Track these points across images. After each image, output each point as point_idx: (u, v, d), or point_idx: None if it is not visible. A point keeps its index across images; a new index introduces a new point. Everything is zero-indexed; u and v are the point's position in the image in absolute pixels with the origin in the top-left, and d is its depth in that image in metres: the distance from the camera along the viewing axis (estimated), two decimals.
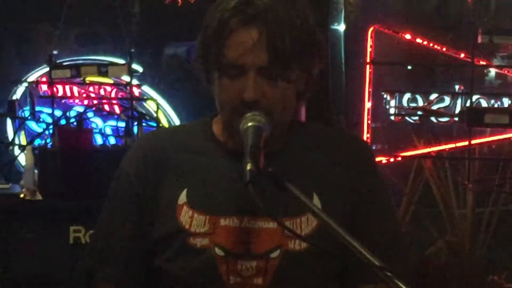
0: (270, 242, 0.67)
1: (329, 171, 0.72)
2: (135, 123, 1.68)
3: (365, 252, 0.53)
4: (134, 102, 1.79)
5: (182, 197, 0.69)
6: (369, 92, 1.78)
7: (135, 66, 1.84)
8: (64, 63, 1.93)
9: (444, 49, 1.85)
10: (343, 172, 0.71)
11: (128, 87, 1.78)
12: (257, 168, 0.56)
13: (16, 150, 1.91)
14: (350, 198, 0.70)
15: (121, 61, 1.89)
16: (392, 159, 1.69)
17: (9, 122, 2.11)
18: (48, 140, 1.83)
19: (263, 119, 0.62)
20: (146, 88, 2.09)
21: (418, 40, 1.84)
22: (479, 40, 1.57)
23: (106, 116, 2.06)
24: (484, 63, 1.88)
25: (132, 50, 1.72)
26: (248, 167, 0.56)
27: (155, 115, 1.85)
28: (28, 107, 1.82)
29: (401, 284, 0.50)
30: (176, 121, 2.25)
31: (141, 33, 2.54)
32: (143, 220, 0.71)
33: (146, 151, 0.74)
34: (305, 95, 0.72)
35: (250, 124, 0.62)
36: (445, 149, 1.68)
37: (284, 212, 0.65)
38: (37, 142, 1.80)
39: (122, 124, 1.82)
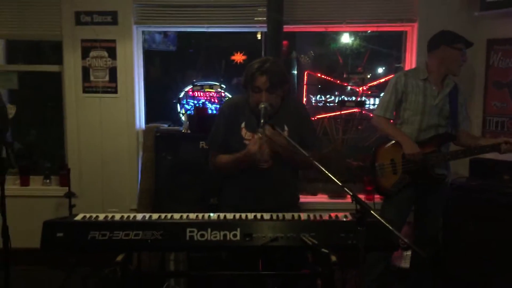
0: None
1: (291, 116, 2.52)
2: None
3: (303, 150, 2.11)
4: (223, 97, 4.53)
5: (243, 125, 2.58)
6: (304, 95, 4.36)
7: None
8: (196, 84, 4.22)
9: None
10: (295, 115, 2.55)
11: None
12: (264, 119, 2.38)
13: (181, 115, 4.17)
14: (298, 125, 2.51)
15: (217, 83, 4.36)
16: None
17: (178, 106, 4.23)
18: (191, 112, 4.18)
19: (267, 106, 2.51)
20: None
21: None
22: None
23: (212, 102, 4.45)
24: None
25: (222, 80, 4.48)
26: (262, 119, 2.34)
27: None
28: (184, 101, 4.55)
29: (317, 164, 1.99)
30: None
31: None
32: (226, 129, 2.59)
33: (229, 104, 2.75)
34: (284, 96, 2.60)
35: (262, 106, 2.46)
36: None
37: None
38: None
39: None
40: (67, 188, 4.08)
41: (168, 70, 4.96)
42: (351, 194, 1.97)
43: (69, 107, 4.21)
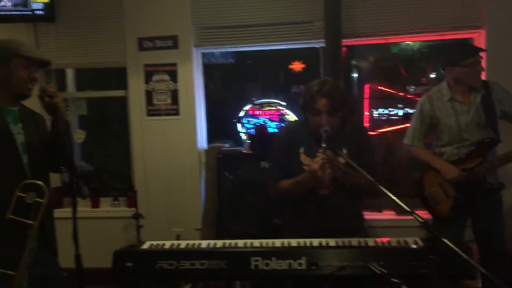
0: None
1: (351, 138, 2.45)
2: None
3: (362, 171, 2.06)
4: (282, 114, 4.52)
5: (301, 150, 2.48)
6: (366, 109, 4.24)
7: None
8: (256, 102, 4.22)
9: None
10: (355, 138, 2.47)
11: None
12: (325, 143, 2.27)
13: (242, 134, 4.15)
14: (358, 148, 2.40)
15: (277, 100, 4.31)
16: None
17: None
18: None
19: (328, 128, 2.30)
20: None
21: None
22: None
23: (273, 120, 4.57)
24: None
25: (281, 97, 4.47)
26: (324, 144, 2.27)
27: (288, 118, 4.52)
28: (245, 119, 4.54)
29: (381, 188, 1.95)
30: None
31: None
32: (286, 156, 2.54)
33: (286, 130, 2.85)
34: (344, 118, 2.48)
35: (323, 129, 2.27)
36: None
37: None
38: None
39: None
40: (135, 209, 4.19)
41: (227, 84, 5.05)
42: (421, 221, 1.88)
43: (134, 130, 4.34)
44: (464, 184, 2.87)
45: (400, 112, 4.14)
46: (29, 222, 2.08)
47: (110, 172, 4.75)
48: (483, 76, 3.28)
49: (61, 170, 2.39)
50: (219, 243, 2.30)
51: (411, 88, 4.17)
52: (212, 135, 4.48)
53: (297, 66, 4.48)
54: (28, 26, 4.23)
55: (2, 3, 3.81)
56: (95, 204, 4.47)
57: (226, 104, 5.01)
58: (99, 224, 4.36)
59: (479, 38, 3.87)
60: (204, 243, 2.31)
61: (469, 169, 2.88)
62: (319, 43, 4.06)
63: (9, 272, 2.03)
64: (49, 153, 2.26)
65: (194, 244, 2.30)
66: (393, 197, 1.99)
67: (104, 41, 4.25)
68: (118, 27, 4.23)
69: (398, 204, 1.96)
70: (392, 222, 3.99)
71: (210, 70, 4.44)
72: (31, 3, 3.85)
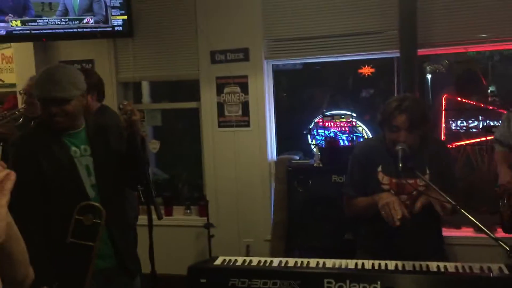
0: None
1: (433, 158, 2.37)
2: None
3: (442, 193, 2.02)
4: (353, 126, 4.44)
5: (379, 168, 2.49)
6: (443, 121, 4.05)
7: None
8: (326, 114, 4.18)
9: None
10: (437, 157, 2.39)
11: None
12: (402, 163, 2.20)
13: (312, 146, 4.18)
14: (440, 168, 2.35)
15: (348, 112, 4.38)
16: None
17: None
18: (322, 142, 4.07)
19: (405, 147, 2.23)
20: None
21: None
22: None
23: (343, 132, 4.33)
24: None
25: (352, 109, 4.41)
26: (400, 164, 2.21)
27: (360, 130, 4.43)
28: (315, 131, 4.54)
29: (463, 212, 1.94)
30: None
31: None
32: (362, 174, 2.49)
33: (362, 147, 2.71)
34: (424, 136, 2.37)
35: (399, 147, 2.24)
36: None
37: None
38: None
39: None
40: (206, 218, 4.26)
41: (295, 90, 5.02)
42: (507, 248, 1.78)
43: (206, 141, 4.43)
44: None
45: (480, 124, 3.92)
46: (88, 243, 2.05)
47: (183, 182, 4.86)
48: None
49: (138, 188, 2.48)
50: (291, 261, 2.28)
51: (493, 99, 3.93)
52: (281, 146, 4.47)
53: (366, 70, 4.37)
54: (108, 41, 4.44)
55: (85, 21, 4.01)
56: (168, 212, 4.60)
57: (295, 113, 4.99)
58: (171, 232, 4.47)
59: None
60: (276, 261, 2.30)
61: None
62: (393, 53, 3.94)
63: None
64: (123, 169, 2.28)
65: (266, 261, 2.30)
66: (477, 222, 1.90)
67: (178, 55, 4.37)
68: (192, 41, 4.34)
69: (483, 230, 1.87)
70: (471, 240, 3.80)
71: (277, 76, 4.44)
72: (112, 20, 4.02)
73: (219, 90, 4.33)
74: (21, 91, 3.22)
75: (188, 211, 4.61)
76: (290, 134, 4.64)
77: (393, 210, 2.20)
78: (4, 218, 0.81)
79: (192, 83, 4.50)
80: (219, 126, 4.36)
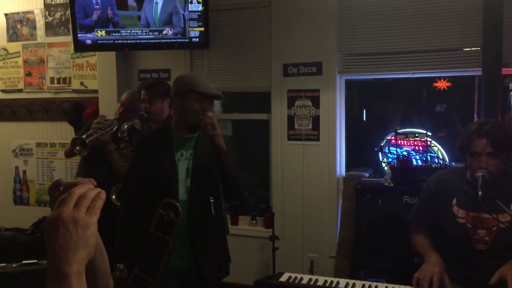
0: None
1: None
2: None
3: None
4: (427, 145, 4.28)
5: (454, 201, 2.33)
6: None
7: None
8: (399, 132, 3.95)
9: None
10: None
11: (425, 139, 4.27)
12: (482, 191, 2.04)
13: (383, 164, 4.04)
14: None
15: (422, 131, 4.10)
16: None
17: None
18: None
19: (486, 174, 2.09)
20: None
21: None
22: None
23: (417, 151, 4.41)
24: None
25: (426, 126, 4.26)
26: (480, 192, 2.07)
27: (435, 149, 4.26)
28: (386, 149, 4.40)
29: None
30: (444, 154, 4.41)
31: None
32: (433, 206, 2.41)
33: (437, 178, 2.45)
34: (506, 163, 2.19)
35: (480, 174, 2.09)
36: None
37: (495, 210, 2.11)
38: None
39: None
40: (271, 230, 4.26)
41: (367, 101, 4.93)
42: None
43: (275, 153, 4.44)
44: None
45: None
46: (165, 237, 2.25)
47: (250, 191, 4.90)
48: None
49: (231, 202, 2.58)
50: (358, 284, 2.23)
51: None
52: (351, 162, 4.39)
53: (442, 84, 4.22)
54: (185, 52, 4.58)
55: (164, 32, 4.16)
56: (234, 222, 4.64)
57: (366, 127, 4.89)
58: (236, 241, 4.46)
59: None
60: (342, 282, 2.26)
61: None
62: (475, 72, 3.76)
63: (148, 278, 2.26)
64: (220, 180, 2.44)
65: (332, 282, 2.26)
66: None
67: (251, 67, 4.44)
68: (265, 53, 4.38)
69: None
70: None
71: (348, 86, 4.36)
72: (189, 32, 4.14)
73: (290, 103, 4.33)
74: (120, 102, 3.40)
75: (254, 221, 4.63)
76: (361, 150, 4.55)
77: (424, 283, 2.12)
78: (95, 235, 0.85)
79: (264, 95, 4.52)
80: (289, 139, 4.36)
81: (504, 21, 3.54)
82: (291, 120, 4.34)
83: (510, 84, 3.93)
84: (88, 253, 0.82)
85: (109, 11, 4.21)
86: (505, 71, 3.64)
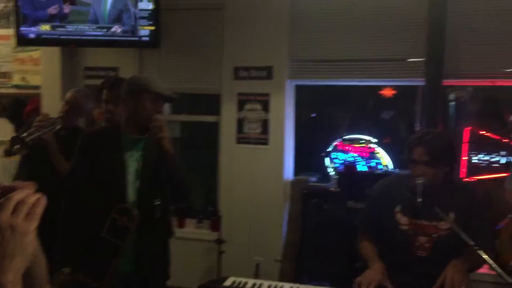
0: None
1: (459, 200, 2.19)
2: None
3: (466, 237, 1.90)
4: (372, 152, 4.40)
5: (398, 208, 2.31)
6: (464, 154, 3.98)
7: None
8: (345, 138, 4.02)
9: None
10: (464, 200, 2.22)
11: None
12: (422, 197, 2.10)
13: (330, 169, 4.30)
14: (466, 212, 2.16)
15: (368, 138, 4.37)
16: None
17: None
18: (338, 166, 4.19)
19: (426, 181, 2.10)
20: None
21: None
22: None
23: (363, 157, 4.49)
24: None
25: (372, 133, 4.39)
26: (419, 199, 2.09)
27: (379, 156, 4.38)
28: (334, 154, 4.52)
29: (482, 254, 1.84)
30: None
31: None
32: (378, 213, 2.37)
33: (381, 185, 2.46)
34: (448, 172, 2.27)
35: (419, 181, 2.11)
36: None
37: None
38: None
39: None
40: (218, 233, 4.24)
41: (316, 106, 5.03)
42: None
43: (223, 156, 4.42)
44: None
45: (503, 160, 3.85)
46: (117, 243, 2.19)
47: (197, 195, 4.85)
48: None
49: (178, 204, 2.52)
50: None
51: None
52: (299, 166, 4.44)
53: (388, 92, 4.38)
54: (134, 51, 4.49)
55: (113, 29, 4.06)
56: (181, 224, 4.59)
57: (315, 132, 4.97)
58: (182, 244, 4.41)
59: None
60: (286, 286, 2.27)
61: None
62: (418, 82, 3.90)
63: (93, 283, 2.16)
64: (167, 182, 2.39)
65: (276, 286, 2.27)
66: (496, 267, 1.86)
67: (202, 69, 4.41)
68: (216, 56, 4.36)
69: (502, 275, 1.82)
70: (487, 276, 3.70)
71: (299, 90, 4.39)
72: (139, 30, 4.06)
73: (240, 106, 4.33)
74: (65, 100, 3.24)
75: (200, 224, 4.59)
76: (309, 155, 4.60)
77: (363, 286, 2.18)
78: (33, 243, 0.81)
79: (214, 97, 4.50)
80: (238, 142, 4.36)
81: (446, 34, 3.69)
82: (240, 123, 4.34)
83: (451, 95, 4.11)
84: (25, 262, 0.79)
85: (57, 5, 4.05)
86: (447, 82, 3.80)
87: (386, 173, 3.88)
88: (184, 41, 4.46)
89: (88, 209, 2.28)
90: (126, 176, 2.30)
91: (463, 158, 3.95)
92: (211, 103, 4.60)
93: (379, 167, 3.98)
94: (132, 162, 2.33)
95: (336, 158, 4.17)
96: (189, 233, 4.55)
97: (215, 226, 4.38)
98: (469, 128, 3.97)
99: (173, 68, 4.51)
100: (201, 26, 4.41)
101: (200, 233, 4.54)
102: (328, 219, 3.53)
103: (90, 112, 3.27)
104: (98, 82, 4.53)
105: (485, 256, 1.91)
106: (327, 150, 4.23)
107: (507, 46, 3.65)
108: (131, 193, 2.30)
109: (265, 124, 4.27)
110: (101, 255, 2.17)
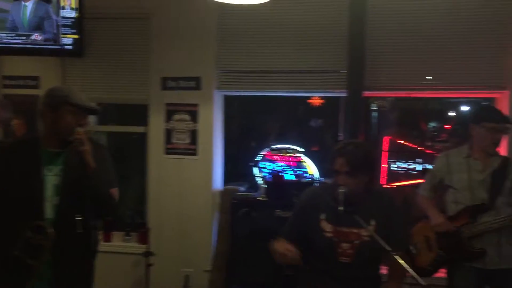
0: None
1: (380, 209, 2.29)
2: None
3: (384, 244, 2.02)
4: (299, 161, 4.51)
5: (323, 216, 2.34)
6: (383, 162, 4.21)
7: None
8: (273, 148, 4.10)
9: None
10: (384, 209, 2.31)
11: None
12: (344, 206, 2.18)
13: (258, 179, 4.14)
14: (387, 221, 2.27)
15: (295, 147, 4.28)
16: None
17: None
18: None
19: (347, 191, 2.18)
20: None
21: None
22: None
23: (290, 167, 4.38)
24: None
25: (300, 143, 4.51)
26: (340, 207, 2.19)
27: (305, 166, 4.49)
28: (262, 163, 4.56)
29: (398, 259, 1.95)
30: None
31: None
32: (303, 221, 2.39)
33: (308, 194, 2.48)
34: (369, 182, 2.33)
35: (341, 190, 2.18)
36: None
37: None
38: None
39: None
40: (146, 246, 4.17)
41: (246, 116, 5.10)
42: None
43: (151, 167, 4.36)
44: (446, 239, 2.92)
45: (419, 167, 4.09)
46: (30, 262, 2.10)
47: (125, 207, 4.73)
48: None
49: (105, 218, 2.42)
50: None
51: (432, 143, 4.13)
52: (229, 175, 4.48)
53: (316, 101, 4.50)
54: (57, 59, 4.33)
55: (33, 37, 3.90)
56: (107, 238, 4.46)
57: (244, 141, 5.02)
58: (109, 258, 4.29)
59: (503, 99, 3.84)
60: None
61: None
62: (341, 93, 4.06)
63: None
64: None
65: None
66: (412, 272, 1.97)
67: (129, 78, 4.34)
68: (144, 65, 4.31)
69: (416, 278, 1.94)
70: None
71: (227, 100, 4.44)
72: (61, 39, 3.93)
73: (168, 117, 4.30)
74: None
75: (128, 237, 4.49)
76: (238, 164, 4.64)
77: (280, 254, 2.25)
78: None
79: (142, 107, 4.43)
80: (166, 153, 4.32)
81: (366, 48, 3.88)
82: (169, 133, 4.30)
83: (373, 104, 4.32)
84: None
85: None
86: (367, 94, 3.99)
87: (313, 182, 3.99)
88: (110, 50, 4.37)
89: (0, 226, 2.16)
90: (43, 191, 2.17)
91: (383, 165, 4.15)
92: (140, 113, 4.52)
93: (306, 176, 4.09)
94: (51, 177, 2.22)
95: (265, 167, 4.24)
96: (116, 246, 4.43)
97: (143, 238, 4.29)
98: (388, 137, 4.17)
99: (99, 78, 4.40)
100: (128, 35, 4.35)
101: (128, 246, 4.44)
102: (257, 228, 3.56)
103: (7, 123, 3.11)
104: (17, 91, 4.39)
105: (401, 261, 2.02)
106: (256, 159, 4.28)
107: (422, 61, 3.90)
108: (48, 209, 2.18)
109: (193, 134, 4.27)
110: (15, 275, 2.08)
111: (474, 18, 3.73)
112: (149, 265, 4.10)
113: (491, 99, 3.98)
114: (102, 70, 4.40)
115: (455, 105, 4.46)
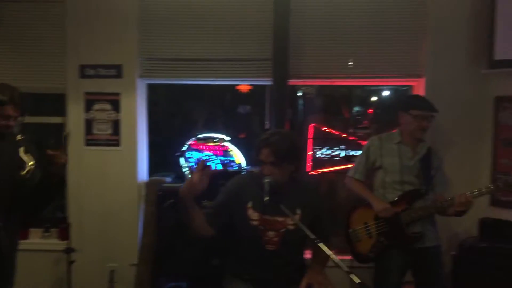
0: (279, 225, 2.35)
1: (304, 199, 2.41)
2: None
3: (308, 232, 2.12)
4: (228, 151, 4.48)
5: (249, 204, 2.45)
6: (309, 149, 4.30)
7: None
8: (199, 137, 4.05)
9: None
10: (309, 198, 2.44)
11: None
12: (269, 196, 2.28)
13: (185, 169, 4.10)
14: (311, 210, 2.42)
15: (221, 136, 4.18)
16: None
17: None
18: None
19: (272, 180, 2.30)
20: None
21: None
22: None
23: (217, 156, 4.13)
24: None
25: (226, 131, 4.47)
26: (266, 197, 2.26)
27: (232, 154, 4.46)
28: (188, 153, 4.46)
29: (322, 247, 2.03)
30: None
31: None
32: (228, 209, 2.47)
33: (235, 182, 2.55)
34: (295, 175, 2.42)
35: (266, 180, 2.30)
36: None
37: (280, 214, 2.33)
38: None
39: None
40: (67, 242, 3.99)
41: (172, 105, 4.99)
42: (357, 281, 1.92)
43: (71, 159, 4.12)
44: (386, 225, 3.00)
45: (342, 153, 4.21)
46: None
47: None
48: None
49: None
50: None
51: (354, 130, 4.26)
52: (155, 166, 4.37)
53: (244, 87, 4.49)
54: None
55: None
56: (23, 235, 4.20)
57: (170, 130, 4.92)
58: (26, 257, 4.05)
59: (419, 86, 4.02)
60: None
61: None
62: (267, 81, 4.07)
63: None
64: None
65: None
66: (335, 258, 2.02)
67: (43, 66, 4.11)
68: (59, 52, 4.08)
69: (340, 265, 1.98)
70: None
71: (153, 88, 4.33)
72: None
73: (88, 107, 4.10)
74: None
75: (47, 233, 4.27)
76: (164, 154, 4.54)
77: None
78: None
79: (59, 96, 4.19)
80: (87, 145, 4.13)
81: (290, 37, 3.91)
82: (89, 124, 4.11)
83: (299, 91, 4.38)
84: None
85: None
86: (292, 82, 4.03)
87: (240, 171, 3.99)
88: (23, 36, 4.09)
89: None
90: None
91: (309, 153, 4.23)
92: (57, 103, 4.28)
93: (233, 165, 4.08)
94: None
95: (191, 157, 4.18)
96: (34, 244, 4.19)
97: (64, 234, 4.10)
98: (313, 125, 4.25)
99: (11, 65, 4.11)
100: (40, 19, 4.08)
101: (47, 243, 4.22)
102: (183, 219, 3.47)
103: None
104: None
105: (324, 248, 2.06)
106: (182, 149, 4.21)
107: (343, 50, 3.99)
108: None
109: (116, 124, 4.11)
110: None
111: (391, 10, 3.87)
112: (71, 262, 3.92)
113: (408, 87, 4.15)
114: (14, 57, 4.12)
115: (376, 92, 4.61)
